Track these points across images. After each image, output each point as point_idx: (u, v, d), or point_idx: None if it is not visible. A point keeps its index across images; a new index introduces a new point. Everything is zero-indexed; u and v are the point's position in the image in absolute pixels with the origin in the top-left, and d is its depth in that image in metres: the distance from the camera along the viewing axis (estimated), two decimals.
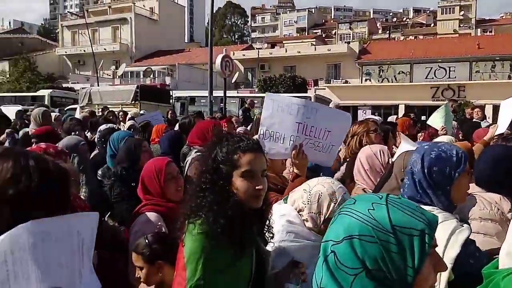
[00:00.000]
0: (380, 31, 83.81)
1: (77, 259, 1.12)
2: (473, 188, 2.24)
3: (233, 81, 15.86)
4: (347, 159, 3.68)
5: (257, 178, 1.68)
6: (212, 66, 13.36)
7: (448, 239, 1.59)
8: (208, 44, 15.17)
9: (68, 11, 48.83)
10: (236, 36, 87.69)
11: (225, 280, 1.59)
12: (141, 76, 36.72)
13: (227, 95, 14.50)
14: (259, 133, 2.58)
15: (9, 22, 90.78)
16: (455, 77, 29.21)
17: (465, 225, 1.67)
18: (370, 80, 33.07)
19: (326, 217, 1.83)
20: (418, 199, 1.71)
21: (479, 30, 67.27)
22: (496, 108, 24.50)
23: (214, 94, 13.55)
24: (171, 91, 21.22)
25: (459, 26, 71.20)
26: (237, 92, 21.77)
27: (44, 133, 3.98)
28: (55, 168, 1.16)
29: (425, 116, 20.06)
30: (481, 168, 2.32)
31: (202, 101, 19.85)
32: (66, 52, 47.07)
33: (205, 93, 19.01)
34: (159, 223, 2.31)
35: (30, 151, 1.21)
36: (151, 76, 36.43)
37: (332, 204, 1.83)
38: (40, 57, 43.63)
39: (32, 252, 1.02)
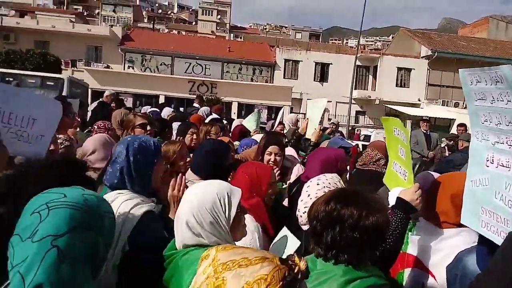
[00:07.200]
0: (146, 20, 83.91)
1: None
2: None
3: None
4: None
5: None
6: None
7: (128, 212, 1.71)
8: None
9: None
10: None
11: None
12: None
13: None
14: None
15: None
16: (210, 75, 32.13)
17: (146, 202, 1.84)
18: (133, 68, 32.70)
19: None
20: (115, 185, 1.87)
21: (232, 35, 76.01)
22: (241, 106, 28.41)
23: None
24: None
25: (217, 29, 78.58)
26: None
27: None
28: None
29: (183, 108, 21.32)
30: None
31: None
32: None
33: None
34: None
35: None
36: None
37: None
38: None
39: None
